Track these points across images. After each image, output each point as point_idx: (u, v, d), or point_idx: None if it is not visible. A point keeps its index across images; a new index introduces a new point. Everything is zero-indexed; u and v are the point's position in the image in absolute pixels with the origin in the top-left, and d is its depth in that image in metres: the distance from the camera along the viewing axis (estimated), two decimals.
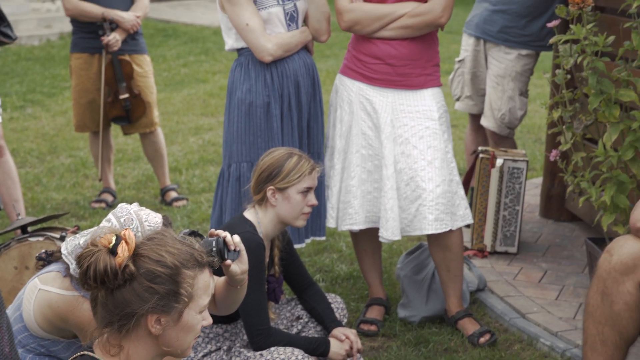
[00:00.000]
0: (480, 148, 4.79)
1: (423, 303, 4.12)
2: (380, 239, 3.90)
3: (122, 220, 2.75)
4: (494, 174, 4.63)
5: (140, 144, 6.17)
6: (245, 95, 3.86)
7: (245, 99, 3.86)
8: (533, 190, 5.76)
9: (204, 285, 2.24)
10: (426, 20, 3.75)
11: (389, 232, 3.84)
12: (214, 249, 2.63)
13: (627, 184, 3.69)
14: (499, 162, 4.62)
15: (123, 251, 2.15)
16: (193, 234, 2.54)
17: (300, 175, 3.39)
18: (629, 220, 3.06)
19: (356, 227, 3.95)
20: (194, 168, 6.46)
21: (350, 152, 3.93)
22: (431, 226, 3.81)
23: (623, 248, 3.00)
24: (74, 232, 3.29)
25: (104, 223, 2.78)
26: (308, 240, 4.10)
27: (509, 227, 4.69)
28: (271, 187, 3.39)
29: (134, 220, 2.75)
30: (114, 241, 2.15)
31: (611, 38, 3.70)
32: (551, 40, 3.95)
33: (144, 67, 5.65)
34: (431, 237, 3.93)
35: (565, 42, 3.85)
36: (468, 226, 4.88)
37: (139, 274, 2.15)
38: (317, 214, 4.03)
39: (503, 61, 4.85)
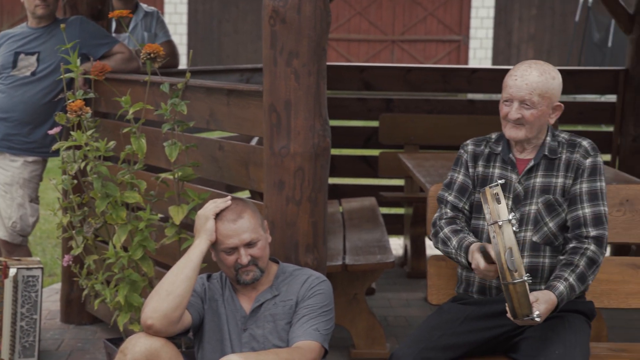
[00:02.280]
0: None
1: None
2: None
3: None
4: (8, 284, 4.48)
5: None
6: None
7: None
8: (54, 296, 5.68)
9: None
10: None
11: None
12: None
13: (139, 282, 3.81)
14: (13, 271, 4.49)
15: None
16: None
17: None
18: (141, 319, 3.16)
19: None
20: None
21: None
22: None
23: (136, 346, 3.08)
24: None
25: None
26: None
27: (27, 337, 4.55)
28: None
29: None
30: None
31: (112, 143, 3.83)
32: (53, 147, 3.98)
33: None
34: None
35: (69, 148, 3.91)
36: None
37: None
38: None
39: (9, 169, 4.76)
